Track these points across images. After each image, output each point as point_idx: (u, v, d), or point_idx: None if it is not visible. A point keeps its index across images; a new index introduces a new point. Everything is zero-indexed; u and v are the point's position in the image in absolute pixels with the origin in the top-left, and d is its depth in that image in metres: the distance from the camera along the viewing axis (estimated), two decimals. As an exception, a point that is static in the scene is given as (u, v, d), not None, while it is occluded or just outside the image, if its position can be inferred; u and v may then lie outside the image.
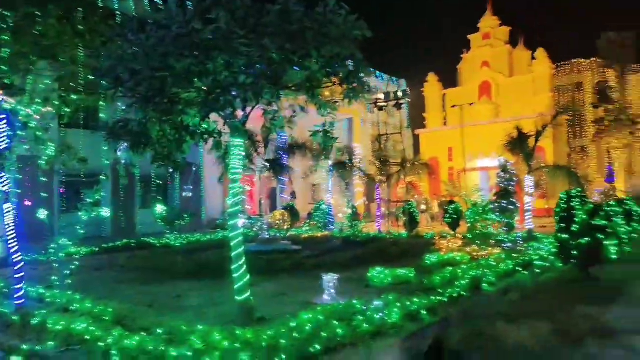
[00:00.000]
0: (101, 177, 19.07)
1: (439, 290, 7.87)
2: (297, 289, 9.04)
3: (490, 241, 13.32)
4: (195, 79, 6.11)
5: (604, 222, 8.99)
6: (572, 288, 8.52)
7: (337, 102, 6.93)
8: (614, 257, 9.03)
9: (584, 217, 9.07)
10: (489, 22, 36.38)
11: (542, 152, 28.71)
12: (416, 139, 38.29)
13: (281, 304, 7.64)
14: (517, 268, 10.01)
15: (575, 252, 9.03)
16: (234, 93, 6.12)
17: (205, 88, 6.23)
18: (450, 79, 39.12)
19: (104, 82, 6.63)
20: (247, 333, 5.35)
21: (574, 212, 9.19)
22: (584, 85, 50.96)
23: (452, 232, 19.23)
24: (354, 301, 6.53)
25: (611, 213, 10.76)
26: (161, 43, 5.92)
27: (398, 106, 21.33)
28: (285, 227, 21.83)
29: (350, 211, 22.65)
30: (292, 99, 6.99)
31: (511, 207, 15.37)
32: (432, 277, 8.82)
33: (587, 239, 8.92)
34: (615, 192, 32.07)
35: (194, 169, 25.41)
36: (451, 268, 9.47)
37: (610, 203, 13.28)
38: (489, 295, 8.24)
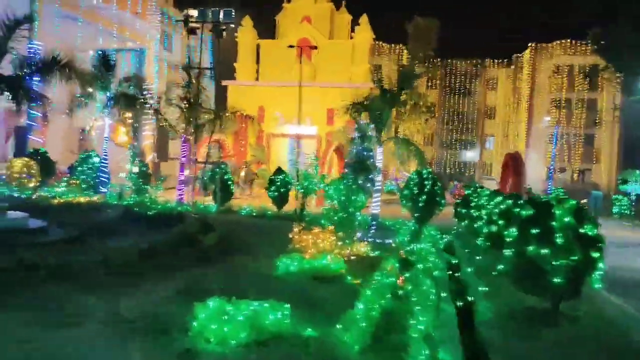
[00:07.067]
0: None
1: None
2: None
3: (357, 232, 9.27)
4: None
5: (595, 230, 5.55)
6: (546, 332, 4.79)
7: None
8: (598, 285, 5.74)
9: (567, 220, 5.48)
10: (314, -28, 32.84)
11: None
12: (222, 91, 32.54)
13: None
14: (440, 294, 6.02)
15: (556, 280, 5.38)
16: None
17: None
18: (267, 30, 34.50)
19: None
20: None
21: (549, 212, 5.55)
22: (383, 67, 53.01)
23: (277, 210, 14.96)
24: None
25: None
26: None
27: (218, 32, 15.56)
28: (31, 185, 16.04)
29: (136, 169, 16.05)
30: None
31: (368, 184, 11.69)
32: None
33: (574, 257, 5.37)
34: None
35: None
36: (362, 306, 4.82)
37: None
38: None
